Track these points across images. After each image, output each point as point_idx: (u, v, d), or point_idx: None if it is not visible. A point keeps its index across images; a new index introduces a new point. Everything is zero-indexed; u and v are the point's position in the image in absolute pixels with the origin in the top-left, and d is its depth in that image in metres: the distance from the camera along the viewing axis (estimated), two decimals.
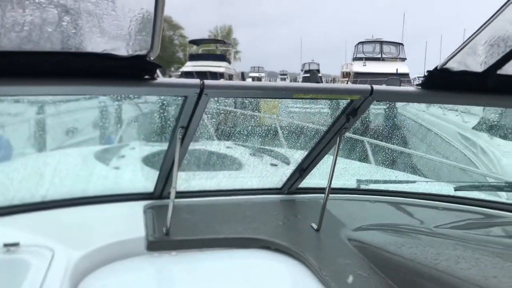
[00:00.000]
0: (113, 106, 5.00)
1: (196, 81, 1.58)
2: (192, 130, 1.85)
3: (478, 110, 7.59)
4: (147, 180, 2.47)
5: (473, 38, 1.50)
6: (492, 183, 4.39)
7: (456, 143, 8.15)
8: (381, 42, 25.81)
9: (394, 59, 25.14)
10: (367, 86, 1.75)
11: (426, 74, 1.72)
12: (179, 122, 1.80)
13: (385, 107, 8.65)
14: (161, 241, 1.93)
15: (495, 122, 6.47)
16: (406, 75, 22.61)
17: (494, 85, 1.69)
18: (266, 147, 4.39)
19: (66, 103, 4.40)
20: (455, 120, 8.73)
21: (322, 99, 1.89)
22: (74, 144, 4.54)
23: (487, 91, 1.73)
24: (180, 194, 2.36)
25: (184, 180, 2.64)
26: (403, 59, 25.39)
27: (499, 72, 1.64)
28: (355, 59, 25.97)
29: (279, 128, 5.02)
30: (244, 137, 4.43)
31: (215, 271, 1.84)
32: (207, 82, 1.59)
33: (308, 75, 31.67)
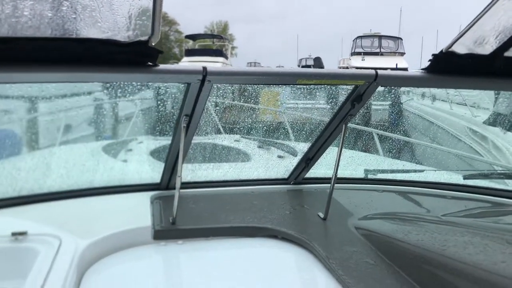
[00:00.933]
0: (121, 100, 4.98)
1: (199, 67, 1.56)
2: (197, 118, 1.83)
3: (488, 103, 7.49)
4: (154, 172, 2.46)
5: (477, 20, 1.47)
6: (501, 171, 4.34)
7: (465, 139, 8.02)
8: (380, 37, 25.35)
9: (393, 53, 24.74)
10: (371, 71, 1.73)
11: (431, 58, 1.68)
12: (183, 110, 1.79)
13: (390, 102, 8.57)
14: (167, 230, 1.92)
15: (508, 115, 6.34)
16: (405, 69, 22.41)
17: (501, 68, 1.66)
18: (273, 140, 4.38)
19: (71, 98, 4.38)
20: (464, 114, 8.58)
21: (326, 84, 1.86)
22: (78, 138, 4.53)
23: (494, 74, 1.70)
24: (187, 185, 2.36)
25: (191, 171, 2.62)
26: (402, 54, 25.04)
27: (506, 54, 1.61)
28: (354, 53, 25.44)
29: (286, 120, 5.00)
30: (252, 130, 4.42)
31: (222, 259, 1.83)
32: (210, 68, 1.58)
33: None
